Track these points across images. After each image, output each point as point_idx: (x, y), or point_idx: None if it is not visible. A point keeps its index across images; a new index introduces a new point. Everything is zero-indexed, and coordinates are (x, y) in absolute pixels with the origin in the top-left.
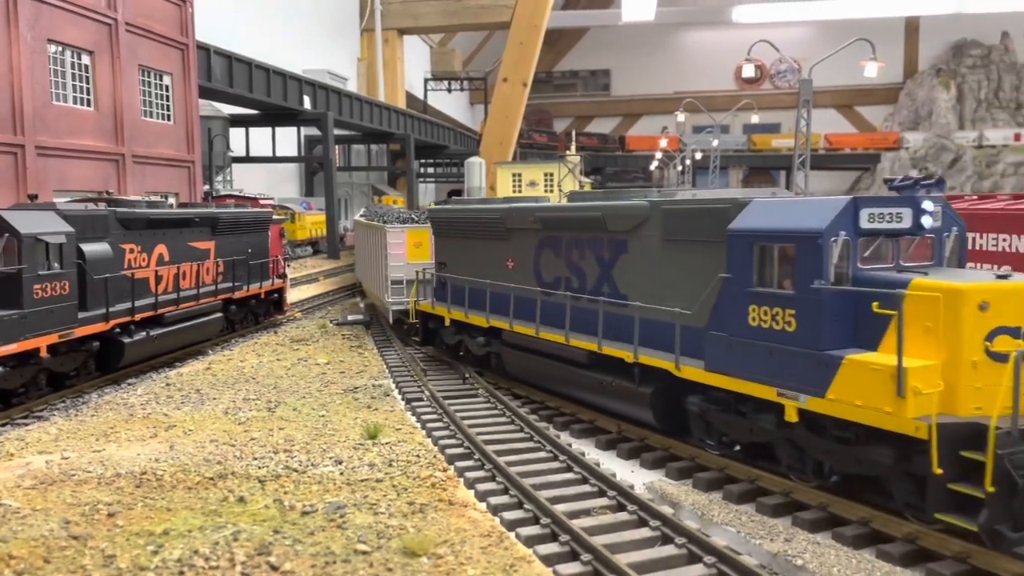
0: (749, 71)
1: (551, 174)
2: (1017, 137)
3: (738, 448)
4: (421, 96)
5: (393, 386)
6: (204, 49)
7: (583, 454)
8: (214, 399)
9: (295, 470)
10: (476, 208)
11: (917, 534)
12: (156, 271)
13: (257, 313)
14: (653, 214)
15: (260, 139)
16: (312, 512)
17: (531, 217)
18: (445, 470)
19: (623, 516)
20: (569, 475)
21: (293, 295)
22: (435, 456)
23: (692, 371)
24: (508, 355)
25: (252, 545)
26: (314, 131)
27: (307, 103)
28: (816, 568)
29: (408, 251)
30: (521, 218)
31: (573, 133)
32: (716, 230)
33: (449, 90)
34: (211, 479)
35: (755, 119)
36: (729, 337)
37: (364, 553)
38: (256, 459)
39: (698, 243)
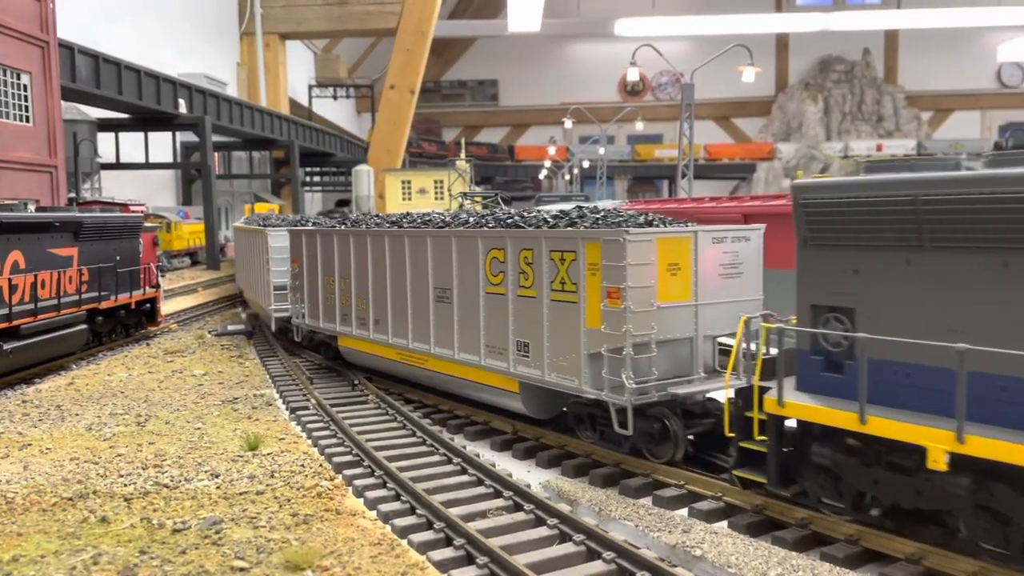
0: (634, 74)
1: (441, 181)
2: (879, 147)
3: None
4: (305, 103)
5: (276, 396)
6: (67, 48)
7: (478, 456)
8: (76, 415)
9: (166, 486)
10: None
11: (810, 519)
12: (10, 279)
13: (127, 325)
14: None
15: (132, 145)
16: (184, 529)
17: None
18: (332, 479)
19: (520, 516)
20: (464, 478)
21: (169, 306)
22: (321, 465)
23: None
24: None
25: (115, 568)
26: (191, 137)
27: (182, 107)
28: (715, 557)
29: (661, 283)
30: None
31: (463, 142)
32: None
33: (335, 97)
34: (70, 499)
35: (640, 126)
36: None
37: (242, 570)
38: (122, 476)
39: None
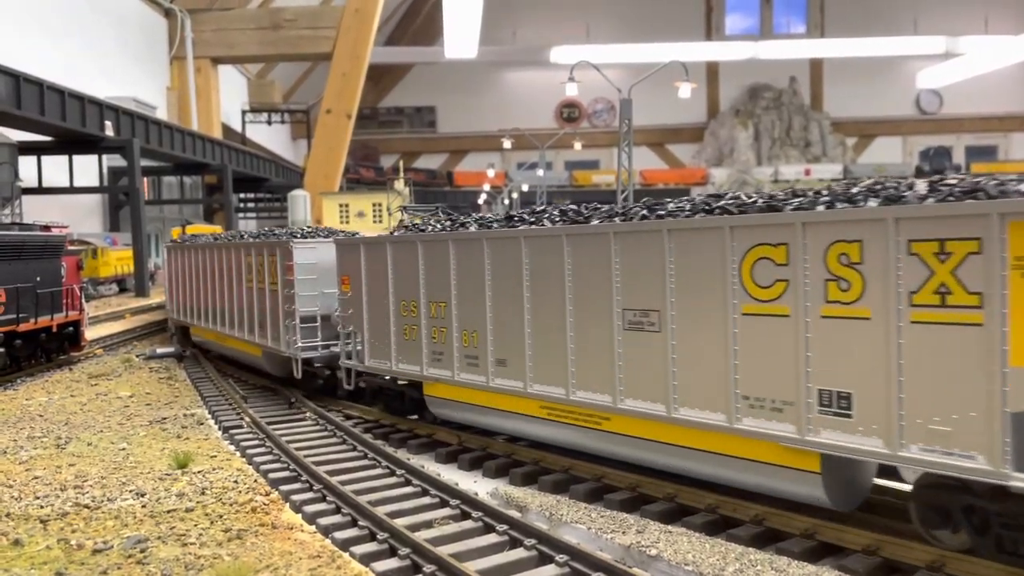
0: (572, 89)
1: (379, 204)
2: (807, 172)
3: None
4: (239, 129)
5: (208, 415)
6: None
7: (423, 467)
8: None
9: (86, 506)
10: None
11: (764, 515)
12: None
13: (49, 349)
14: None
15: (56, 169)
16: (106, 549)
17: None
18: (268, 494)
19: (468, 524)
20: (408, 489)
21: (95, 332)
22: (256, 481)
23: None
24: None
25: None
26: (119, 161)
27: (109, 129)
28: (671, 556)
29: None
30: None
31: (401, 165)
32: None
33: (269, 122)
34: None
35: (578, 146)
36: None
37: None
38: (38, 498)
39: None
